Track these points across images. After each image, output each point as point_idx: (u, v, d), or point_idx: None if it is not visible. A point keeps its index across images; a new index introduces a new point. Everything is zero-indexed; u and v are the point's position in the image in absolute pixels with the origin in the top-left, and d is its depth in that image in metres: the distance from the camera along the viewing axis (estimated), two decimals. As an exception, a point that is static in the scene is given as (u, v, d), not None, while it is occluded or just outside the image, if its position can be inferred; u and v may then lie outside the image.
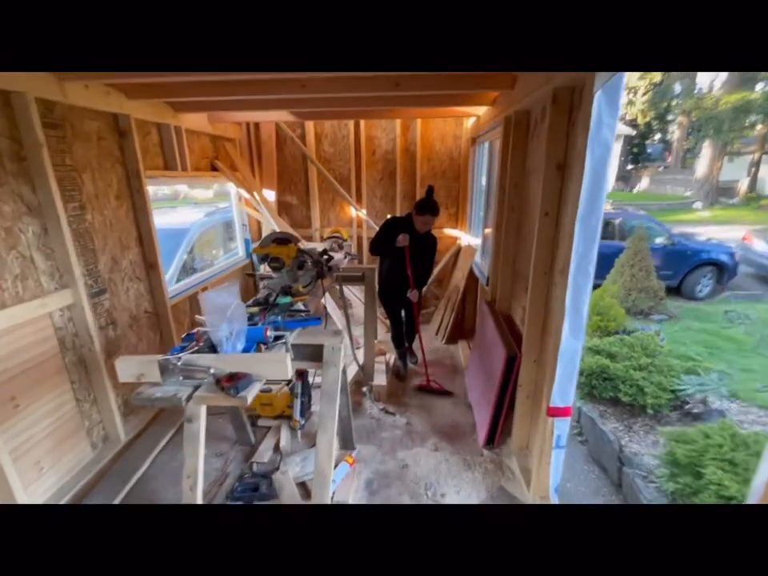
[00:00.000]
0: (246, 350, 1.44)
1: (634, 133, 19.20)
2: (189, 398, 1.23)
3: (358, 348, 3.63)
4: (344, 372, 2.00)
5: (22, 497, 1.81)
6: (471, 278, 3.85)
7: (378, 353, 3.41)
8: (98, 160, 2.31)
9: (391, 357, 3.42)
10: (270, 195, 4.25)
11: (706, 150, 15.04)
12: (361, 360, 3.19)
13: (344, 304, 2.99)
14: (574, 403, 2.01)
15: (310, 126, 4.13)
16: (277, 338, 1.59)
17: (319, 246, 3.33)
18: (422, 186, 4.31)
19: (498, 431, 2.36)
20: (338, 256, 3.01)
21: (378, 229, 3.02)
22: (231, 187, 4.01)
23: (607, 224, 6.05)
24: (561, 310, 1.55)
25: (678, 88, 16.89)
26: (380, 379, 2.90)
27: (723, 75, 14.02)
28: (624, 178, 20.55)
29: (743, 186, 16.39)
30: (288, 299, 1.96)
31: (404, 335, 3.28)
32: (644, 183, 19.87)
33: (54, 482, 2.03)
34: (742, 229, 8.19)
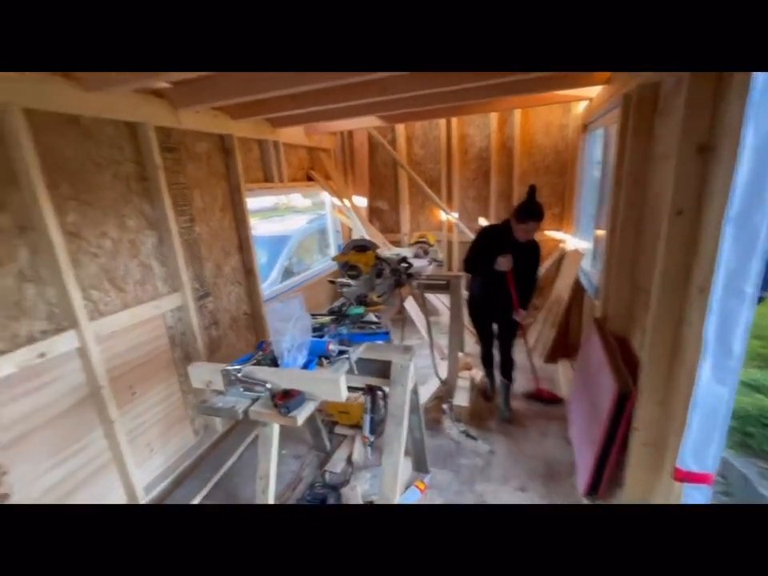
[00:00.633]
0: (306, 364, 1.39)
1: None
2: (245, 411, 1.22)
3: (442, 359, 3.43)
4: (415, 391, 1.85)
5: (135, 473, 2.09)
6: (577, 287, 3.31)
7: (462, 367, 3.15)
8: (206, 177, 2.58)
9: (478, 373, 3.12)
10: (362, 202, 4.32)
11: None
12: (444, 373, 2.99)
13: (426, 313, 2.82)
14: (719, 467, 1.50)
15: (400, 129, 4.08)
16: (341, 353, 1.51)
17: (404, 252, 3.23)
18: (521, 183, 3.90)
19: (605, 479, 1.92)
20: (421, 262, 2.86)
21: (470, 236, 2.76)
22: (326, 196, 4.18)
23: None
24: (697, 342, 1.15)
25: None
26: (462, 398, 2.65)
27: None
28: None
29: None
30: (360, 310, 1.89)
31: (492, 355, 2.86)
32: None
33: (162, 463, 2.31)
34: None
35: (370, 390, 1.94)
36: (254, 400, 1.27)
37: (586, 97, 2.99)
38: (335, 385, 1.20)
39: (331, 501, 1.94)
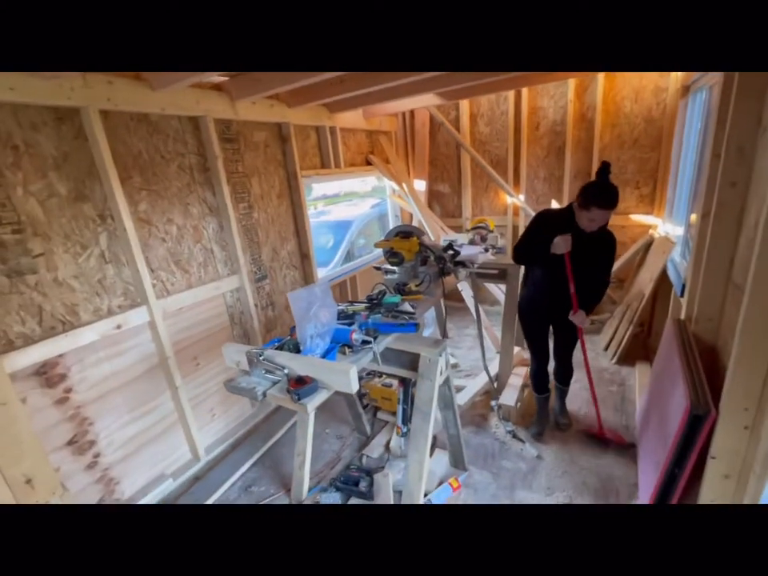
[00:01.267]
0: (327, 352, 1.40)
1: None
2: (264, 393, 1.27)
3: (497, 353, 3.24)
4: (449, 386, 1.76)
5: (198, 435, 2.35)
6: (664, 281, 2.84)
7: (518, 363, 2.94)
8: (264, 165, 2.71)
9: (535, 370, 2.88)
10: (421, 185, 4.19)
11: None
12: (496, 368, 2.82)
13: (476, 303, 2.66)
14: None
15: (464, 106, 3.83)
16: (365, 342, 1.49)
17: (456, 238, 3.08)
18: (602, 159, 3.42)
19: (672, 507, 1.65)
20: (474, 249, 2.70)
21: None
22: (386, 180, 4.14)
23: None
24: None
25: None
26: (511, 396, 2.48)
27: None
28: None
29: None
30: (396, 299, 1.84)
31: (547, 375, 2.37)
32: None
33: (222, 428, 2.57)
34: None
35: (402, 381, 1.91)
36: (274, 383, 1.32)
37: (689, 51, 2.47)
38: (345, 376, 1.18)
39: (363, 485, 1.97)
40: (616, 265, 3.41)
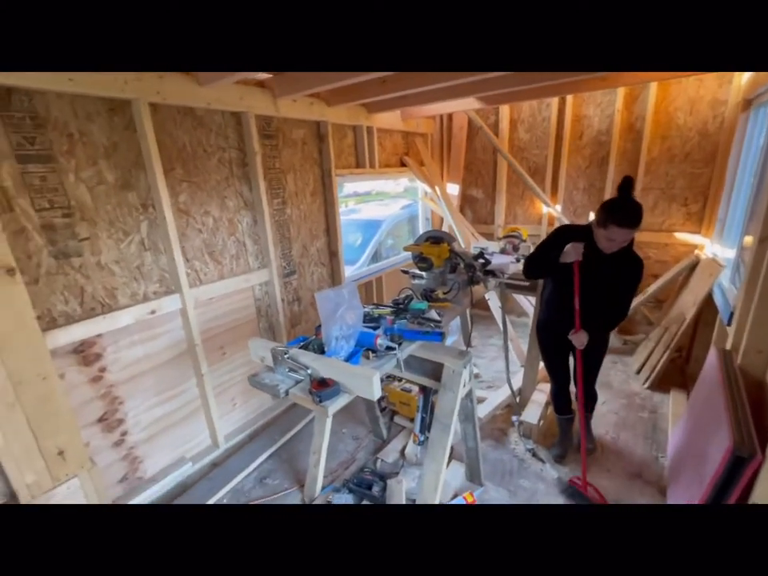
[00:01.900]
0: (351, 355, 1.39)
1: None
2: (286, 392, 1.28)
3: (522, 366, 3.15)
4: (471, 399, 1.72)
5: (218, 422, 2.40)
6: (709, 306, 2.67)
7: (543, 379, 2.84)
8: (300, 162, 2.74)
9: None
10: (454, 189, 4.13)
11: None
12: (519, 382, 2.74)
13: (503, 314, 2.60)
14: None
15: (504, 111, 3.74)
16: (389, 348, 1.48)
17: (491, 246, 3.01)
18: (648, 173, 3.27)
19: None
20: (505, 259, 2.63)
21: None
22: (419, 182, 4.11)
23: None
24: None
25: None
26: (533, 414, 2.40)
27: None
28: None
29: None
30: (423, 305, 1.81)
31: (568, 396, 2.26)
32: None
33: (242, 417, 2.62)
34: None
35: (423, 390, 1.88)
36: (297, 382, 1.32)
37: (755, 62, 2.30)
38: (369, 382, 1.17)
39: (376, 489, 1.96)
40: (656, 284, 3.24)
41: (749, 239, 2.20)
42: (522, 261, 2.76)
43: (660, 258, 3.41)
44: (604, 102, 3.32)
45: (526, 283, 2.58)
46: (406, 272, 2.45)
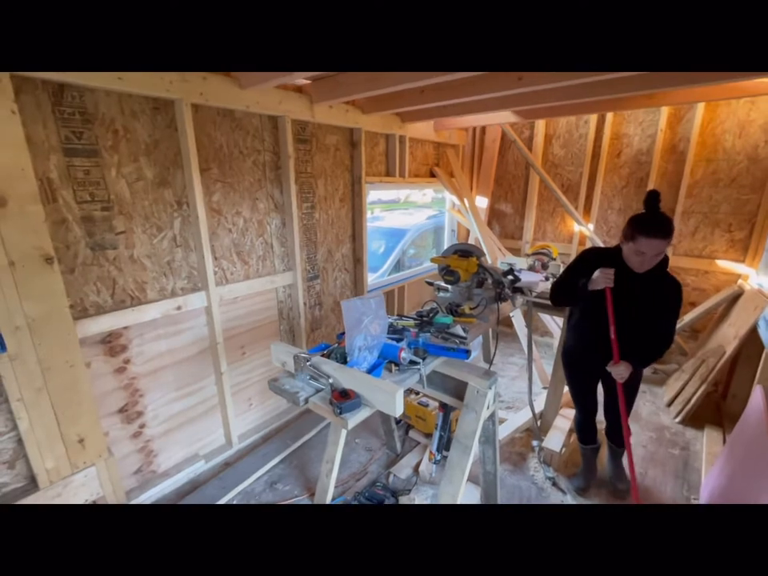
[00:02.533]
0: (373, 367, 1.36)
1: None
2: (306, 400, 1.25)
3: (544, 388, 3.04)
4: (493, 421, 1.65)
5: (234, 421, 2.40)
6: (753, 340, 2.51)
7: (566, 404, 2.73)
8: (331, 168, 2.75)
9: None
10: (483, 202, 4.07)
11: None
12: (541, 405, 2.64)
13: (530, 333, 2.51)
14: None
15: (540, 126, 3.67)
16: (413, 363, 1.43)
17: (519, 262, 2.94)
18: (690, 196, 3.13)
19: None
20: (534, 277, 2.55)
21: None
22: (446, 193, 4.07)
23: None
24: None
25: None
26: (556, 441, 2.29)
27: None
28: None
29: None
30: (448, 320, 1.77)
31: (594, 427, 2.12)
32: None
33: (257, 418, 2.61)
34: None
35: (444, 407, 1.82)
36: (318, 390, 1.29)
37: (817, 86, 2.17)
38: (391, 398, 1.13)
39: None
40: (693, 313, 3.08)
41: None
42: (551, 279, 2.68)
43: (699, 286, 3.24)
44: (646, 121, 3.21)
45: (555, 303, 2.49)
46: (431, 284, 2.40)
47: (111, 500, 1.86)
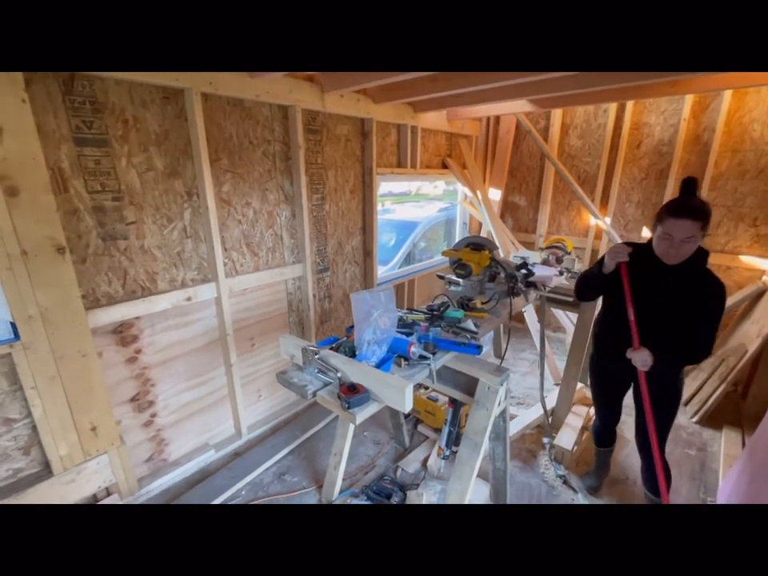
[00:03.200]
0: (383, 361, 1.33)
1: None
2: (314, 393, 1.24)
3: (556, 384, 2.99)
4: (504, 418, 1.62)
5: (243, 412, 2.42)
6: (776, 340, 2.41)
7: (579, 401, 2.68)
8: (341, 159, 2.72)
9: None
10: (496, 195, 3.99)
11: None
12: (552, 402, 2.59)
13: (542, 329, 2.46)
14: None
15: (557, 115, 3.56)
16: (423, 357, 1.41)
17: (532, 256, 2.87)
18: (714, 189, 3.01)
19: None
20: (547, 271, 2.49)
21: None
22: (458, 185, 4.00)
23: None
24: None
25: None
26: (568, 439, 2.25)
27: None
28: None
29: None
30: (459, 314, 1.73)
31: (613, 434, 2.01)
32: None
33: (266, 410, 2.63)
34: None
35: (453, 402, 1.79)
36: (326, 384, 1.28)
37: None
38: (400, 393, 1.11)
39: (395, 500, 1.89)
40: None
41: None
42: (566, 274, 2.61)
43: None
44: (669, 110, 3.09)
45: (569, 298, 2.43)
46: (442, 277, 2.36)
47: (123, 487, 1.89)
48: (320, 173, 2.58)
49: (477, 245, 2.14)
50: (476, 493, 1.97)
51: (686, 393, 2.89)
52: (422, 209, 6.35)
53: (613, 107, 3.28)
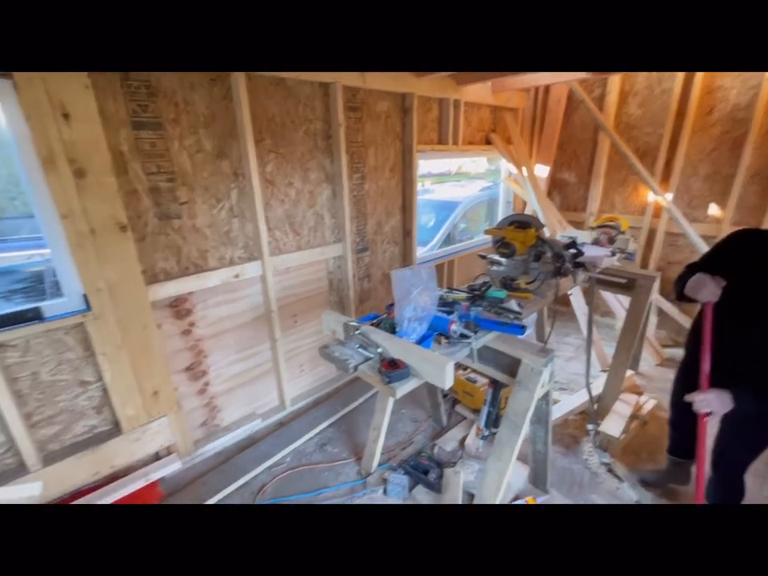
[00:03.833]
0: (423, 339, 1.33)
1: None
2: (355, 367, 1.27)
3: (602, 371, 2.86)
4: (547, 401, 1.57)
5: (286, 385, 2.54)
6: None
7: (628, 389, 2.54)
8: (382, 137, 2.68)
9: (647, 402, 2.46)
10: (543, 171, 3.78)
11: None
12: (600, 389, 2.49)
13: (590, 312, 2.33)
14: None
15: (614, 82, 3.27)
16: (464, 336, 1.39)
17: (582, 236, 2.72)
18: (799, 160, 2.66)
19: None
20: (598, 251, 2.34)
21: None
22: (503, 162, 3.83)
23: None
24: None
25: None
26: (615, 426, 2.15)
27: None
28: None
29: None
30: (502, 294, 1.68)
31: (684, 446, 1.78)
32: None
33: (308, 384, 2.74)
34: None
35: (494, 383, 1.77)
36: (366, 359, 1.30)
37: None
38: (441, 370, 1.10)
39: (432, 476, 1.92)
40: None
41: None
42: (618, 254, 2.45)
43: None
44: (747, 72, 2.73)
45: (623, 280, 2.29)
46: (483, 257, 2.29)
47: (181, 448, 2.06)
48: (360, 151, 2.57)
49: (522, 223, 2.05)
50: (515, 474, 1.95)
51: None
52: (462, 188, 6.17)
53: (681, 72, 2.96)
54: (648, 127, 3.23)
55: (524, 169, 3.52)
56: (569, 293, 3.20)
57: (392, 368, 1.17)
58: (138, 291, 1.74)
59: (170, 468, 1.96)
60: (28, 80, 1.34)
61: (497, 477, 1.49)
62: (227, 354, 2.23)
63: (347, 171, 2.47)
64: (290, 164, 2.22)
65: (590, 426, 2.26)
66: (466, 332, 1.37)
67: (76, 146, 1.46)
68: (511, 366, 1.49)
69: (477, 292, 1.72)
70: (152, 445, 1.95)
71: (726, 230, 2.90)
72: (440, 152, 3.11)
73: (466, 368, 2.52)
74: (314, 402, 2.69)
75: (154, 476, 1.90)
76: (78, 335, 1.68)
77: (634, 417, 2.27)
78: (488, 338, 1.47)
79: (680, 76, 2.98)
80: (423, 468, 1.98)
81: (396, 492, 1.89)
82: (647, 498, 1.88)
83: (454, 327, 1.35)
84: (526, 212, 3.91)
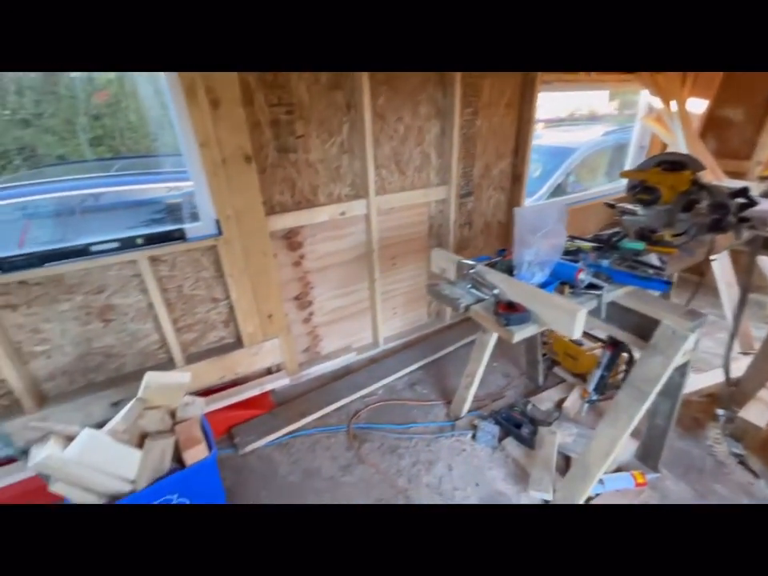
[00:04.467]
0: (543, 285, 1.22)
1: None
2: (467, 307, 1.21)
3: (744, 353, 2.41)
4: (683, 372, 1.36)
5: (380, 325, 2.62)
6: None
7: (780, 376, 2.10)
8: (501, 65, 2.37)
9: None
10: (699, 107, 3.06)
11: None
12: (740, 372, 2.10)
13: (748, 280, 1.91)
14: None
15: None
16: (592, 287, 1.24)
17: (755, 186, 2.20)
18: None
19: None
20: (772, 205, 1.86)
21: None
22: (642, 98, 3.18)
23: None
24: None
25: None
26: (756, 415, 1.81)
27: None
28: None
29: None
30: (639, 245, 1.45)
31: None
32: None
33: (399, 326, 2.80)
34: None
35: (613, 345, 1.58)
36: (478, 300, 1.24)
37: None
38: (571, 318, 0.99)
39: (525, 431, 1.86)
40: None
41: None
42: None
43: None
44: None
45: (806, 243, 1.81)
46: (612, 205, 1.99)
47: (289, 367, 2.30)
48: (475, 83, 2.32)
49: (674, 163, 1.69)
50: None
51: None
52: (580, 133, 5.36)
53: None
54: None
55: (673, 103, 2.89)
56: (712, 258, 2.67)
57: (511, 310, 1.09)
58: (259, 220, 1.87)
59: (279, 382, 2.21)
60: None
61: (607, 443, 1.37)
62: (330, 289, 2.35)
63: (459, 105, 2.27)
64: (400, 97, 2.10)
65: (720, 411, 1.95)
66: (596, 281, 1.21)
67: (212, 75, 1.54)
68: (643, 327, 1.30)
69: (606, 243, 1.50)
70: (266, 360, 2.20)
71: None
72: (569, 83, 2.69)
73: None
74: (404, 344, 2.75)
75: (268, 386, 2.16)
76: (212, 257, 1.89)
77: (784, 409, 1.89)
78: (618, 293, 1.29)
79: None
80: (515, 421, 1.93)
81: (486, 440, 1.89)
82: (790, 501, 1.60)
83: (581, 276, 1.20)
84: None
